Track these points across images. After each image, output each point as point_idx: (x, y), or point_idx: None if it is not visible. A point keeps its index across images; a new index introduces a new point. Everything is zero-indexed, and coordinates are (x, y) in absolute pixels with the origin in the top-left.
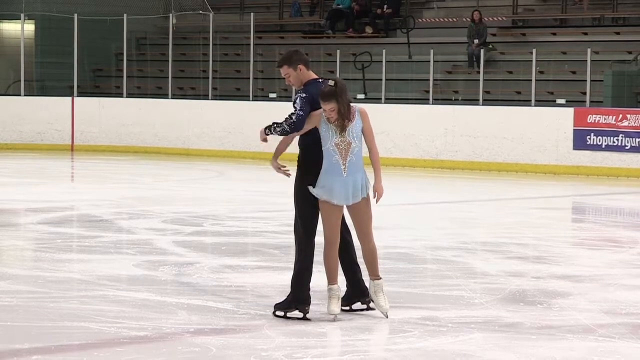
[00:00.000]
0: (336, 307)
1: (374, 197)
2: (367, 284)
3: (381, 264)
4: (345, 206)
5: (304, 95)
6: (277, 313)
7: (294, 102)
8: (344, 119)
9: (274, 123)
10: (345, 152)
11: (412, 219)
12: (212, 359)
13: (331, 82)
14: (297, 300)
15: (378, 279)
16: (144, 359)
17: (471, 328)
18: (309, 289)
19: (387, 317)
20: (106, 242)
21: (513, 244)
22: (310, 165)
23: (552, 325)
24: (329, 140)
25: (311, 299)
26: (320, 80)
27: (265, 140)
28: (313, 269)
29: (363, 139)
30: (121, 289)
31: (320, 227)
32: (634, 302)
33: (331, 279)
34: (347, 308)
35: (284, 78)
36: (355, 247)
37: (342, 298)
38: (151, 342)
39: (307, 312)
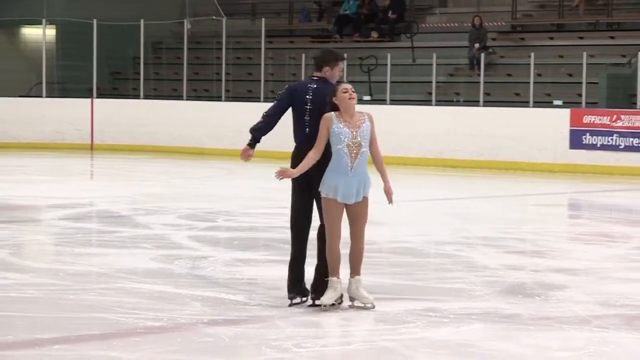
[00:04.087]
0: (328, 299)
1: (389, 201)
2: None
3: (386, 258)
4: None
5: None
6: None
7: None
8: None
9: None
10: (356, 153)
11: (416, 215)
12: (225, 349)
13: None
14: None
15: (359, 275)
16: (159, 349)
17: (472, 319)
18: (292, 278)
19: (374, 307)
20: (124, 237)
21: (512, 238)
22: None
23: (549, 317)
24: (342, 141)
25: (295, 289)
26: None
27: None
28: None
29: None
30: (138, 281)
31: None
32: (628, 294)
33: (332, 272)
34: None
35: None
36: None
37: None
38: (167, 332)
39: (290, 300)
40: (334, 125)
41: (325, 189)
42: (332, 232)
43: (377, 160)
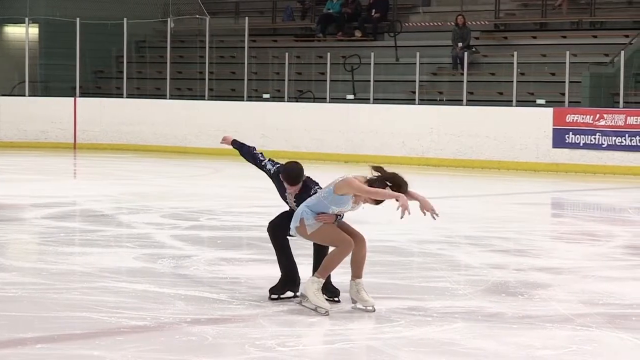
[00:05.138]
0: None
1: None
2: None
3: (369, 257)
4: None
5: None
6: (272, 296)
7: (318, 192)
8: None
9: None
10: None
11: (399, 214)
12: (208, 347)
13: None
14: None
15: (360, 278)
16: (143, 348)
17: (455, 318)
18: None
19: (374, 310)
20: (107, 236)
21: (495, 237)
22: None
23: (532, 315)
24: (339, 208)
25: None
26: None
27: None
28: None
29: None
30: (121, 280)
31: None
32: (610, 293)
33: (326, 275)
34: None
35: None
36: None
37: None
38: (150, 331)
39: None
40: (350, 197)
41: (315, 221)
42: (350, 243)
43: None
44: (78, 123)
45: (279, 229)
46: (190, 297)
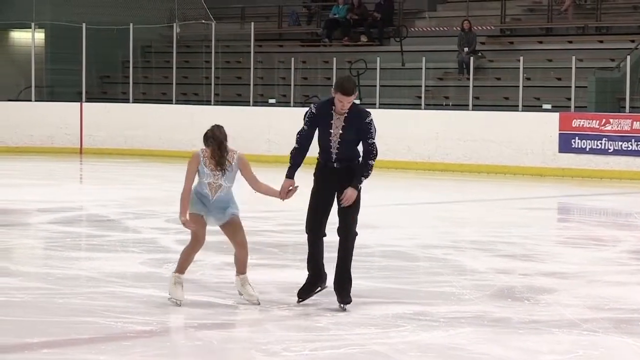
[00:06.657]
0: (183, 293)
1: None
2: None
3: (376, 262)
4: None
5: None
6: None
7: (371, 129)
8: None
9: (362, 177)
10: (215, 190)
11: (405, 219)
12: (215, 353)
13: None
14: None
15: (244, 274)
16: (149, 353)
17: (461, 323)
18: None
19: (259, 303)
20: (113, 241)
21: (501, 242)
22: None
23: (538, 320)
24: (203, 178)
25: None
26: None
27: None
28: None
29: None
30: (127, 285)
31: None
32: (616, 298)
33: (182, 269)
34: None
35: (340, 102)
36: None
37: (304, 289)
38: (156, 336)
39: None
40: (200, 164)
41: (195, 209)
42: (198, 240)
43: (258, 187)
44: (84, 128)
45: (319, 227)
46: (196, 302)
